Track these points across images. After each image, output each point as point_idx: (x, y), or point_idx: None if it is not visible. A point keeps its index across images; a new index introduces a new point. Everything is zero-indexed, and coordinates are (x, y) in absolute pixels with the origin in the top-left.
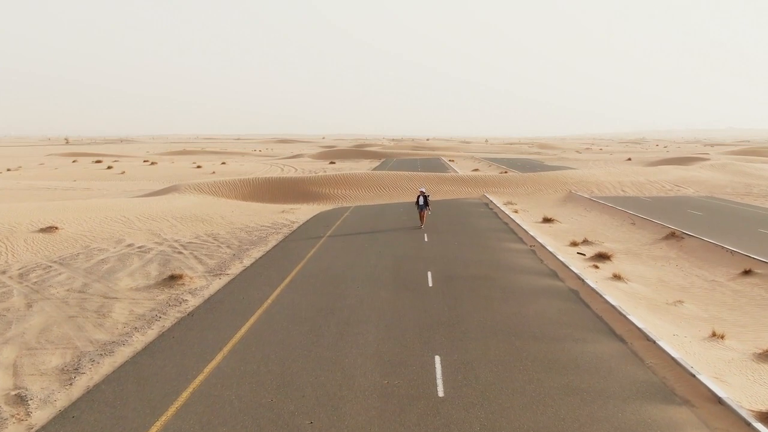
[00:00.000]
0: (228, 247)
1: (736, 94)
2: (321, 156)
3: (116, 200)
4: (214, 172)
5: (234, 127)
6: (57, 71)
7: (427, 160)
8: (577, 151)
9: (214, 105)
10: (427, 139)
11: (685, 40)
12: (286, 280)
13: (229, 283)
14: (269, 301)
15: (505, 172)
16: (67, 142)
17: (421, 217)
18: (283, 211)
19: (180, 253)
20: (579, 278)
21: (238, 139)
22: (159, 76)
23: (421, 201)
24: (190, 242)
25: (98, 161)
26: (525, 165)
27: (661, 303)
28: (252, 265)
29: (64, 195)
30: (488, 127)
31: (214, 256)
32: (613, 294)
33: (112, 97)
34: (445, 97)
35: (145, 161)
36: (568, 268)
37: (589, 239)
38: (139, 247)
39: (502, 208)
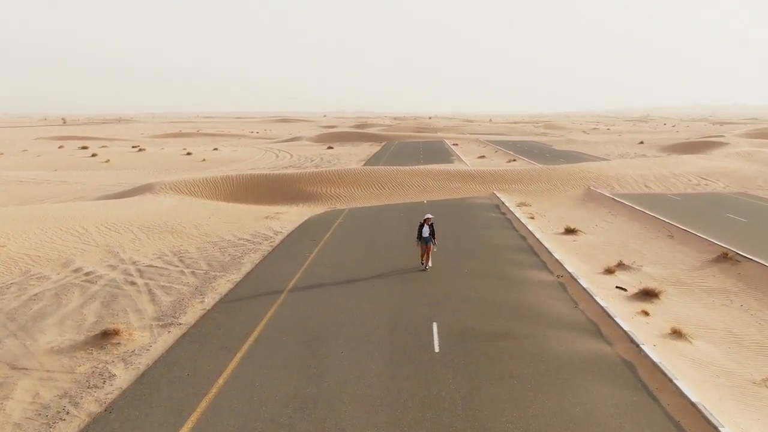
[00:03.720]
0: (192, 273)
1: (740, 69)
2: (319, 139)
3: (78, 205)
4: (204, 160)
5: (235, 105)
6: (59, 50)
7: (429, 144)
8: (585, 132)
9: (216, 83)
10: (430, 118)
11: (686, 15)
12: (252, 338)
13: (179, 340)
14: (221, 381)
15: (513, 161)
16: (64, 123)
17: (426, 254)
18: (266, 217)
19: (133, 283)
20: (630, 339)
21: (239, 118)
22: (161, 54)
23: (426, 232)
24: (149, 265)
25: (84, 147)
26: (533, 150)
27: (745, 381)
28: (214, 306)
29: (34, 191)
30: (491, 103)
31: (172, 289)
32: (682, 370)
33: (115, 76)
34: (447, 75)
35: (133, 147)
36: (611, 318)
37: (625, 261)
38: (86, 274)
39: (516, 213)
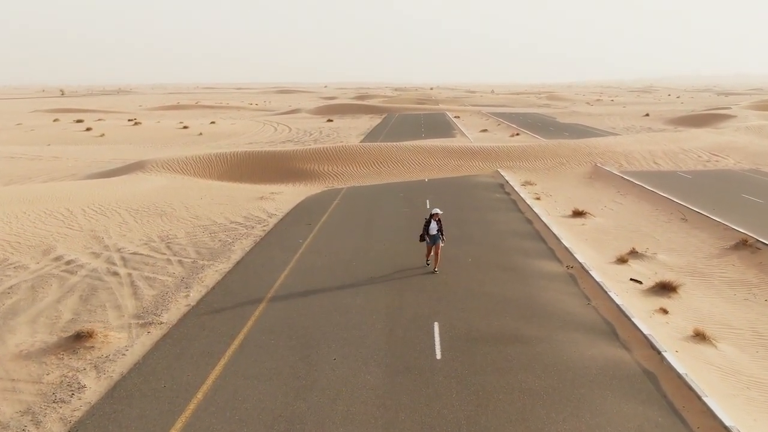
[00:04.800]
0: (180, 262)
1: (742, 39)
2: (319, 112)
3: (66, 185)
4: (201, 134)
5: (236, 75)
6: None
7: (431, 116)
8: (588, 103)
9: (217, 54)
10: (431, 89)
11: None
12: (237, 341)
13: (159, 343)
14: (200, 395)
15: (517, 135)
16: (62, 94)
17: (434, 254)
18: (261, 198)
19: (115, 274)
20: (650, 344)
21: (239, 89)
22: (161, 24)
23: (434, 228)
24: (135, 253)
25: (79, 120)
26: (536, 123)
27: None
28: (199, 302)
29: (24, 168)
30: (494, 73)
31: (156, 281)
32: (709, 381)
33: (115, 47)
34: (448, 46)
35: (129, 120)
36: (628, 318)
37: (637, 248)
38: (67, 263)
39: (521, 193)
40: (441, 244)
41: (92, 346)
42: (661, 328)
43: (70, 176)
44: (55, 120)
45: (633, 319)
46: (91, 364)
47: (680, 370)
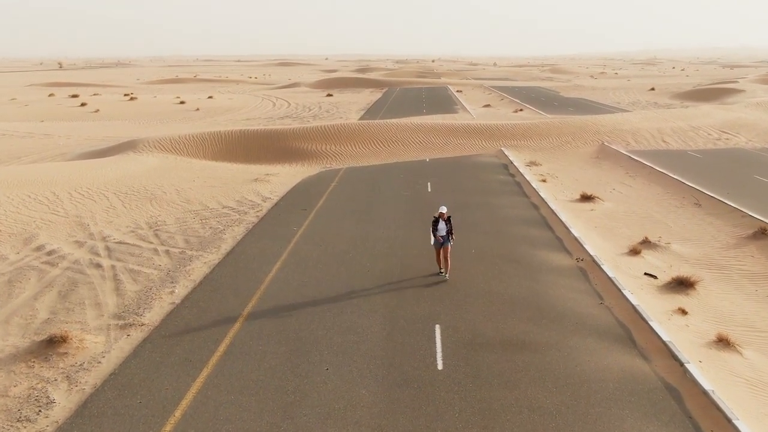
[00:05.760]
0: (167, 253)
1: (746, 10)
2: (319, 85)
3: (54, 166)
4: (197, 109)
5: (236, 48)
6: None
7: (432, 90)
8: (592, 77)
9: (217, 26)
10: (433, 61)
11: None
12: (223, 346)
13: (138, 349)
14: (178, 414)
15: (520, 110)
16: (60, 67)
17: (444, 258)
18: (255, 179)
19: (98, 266)
20: (670, 352)
21: (239, 61)
22: None
23: (443, 229)
24: (120, 242)
25: (74, 95)
26: (540, 97)
27: None
28: (185, 300)
29: (14, 147)
30: (495, 46)
31: (141, 274)
32: (738, 399)
33: (115, 19)
34: (450, 18)
35: (125, 95)
36: (645, 321)
37: (650, 237)
38: (48, 254)
39: (526, 174)
40: (450, 246)
41: (66, 353)
42: (681, 332)
43: (60, 155)
44: (50, 95)
45: (650, 323)
46: (63, 373)
47: (706, 386)
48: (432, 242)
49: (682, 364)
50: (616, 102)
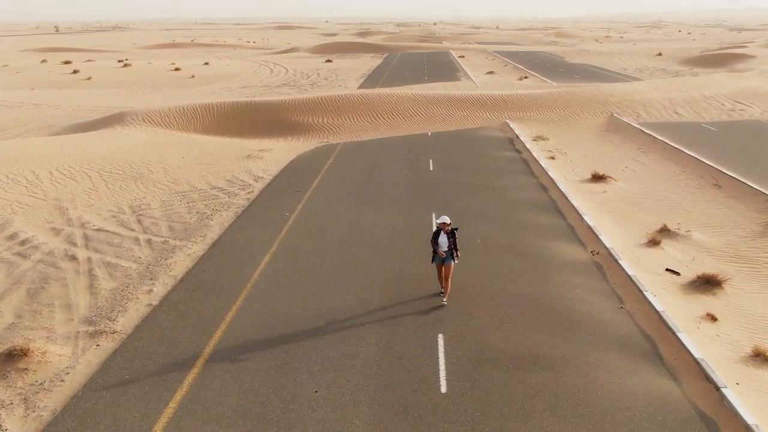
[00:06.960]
0: (148, 242)
1: None
2: (318, 50)
3: (36, 142)
4: (193, 76)
5: (236, 11)
6: None
7: (434, 56)
8: (597, 40)
9: None
10: (434, 24)
11: None
12: (201, 360)
13: (107, 363)
14: None
15: (525, 77)
16: (56, 31)
17: (445, 278)
18: (248, 156)
19: (74, 259)
20: (703, 372)
21: (238, 24)
22: None
23: (444, 244)
24: (100, 229)
25: (67, 62)
26: (545, 63)
27: None
28: (163, 300)
29: (2, 118)
30: (498, 8)
31: (118, 269)
32: None
33: None
34: None
35: (119, 61)
36: (672, 332)
37: (669, 224)
38: (21, 243)
39: (533, 151)
40: (453, 264)
41: (26, 368)
42: (713, 344)
43: (47, 128)
44: (42, 61)
45: (678, 334)
46: (21, 395)
47: (748, 419)
48: (431, 260)
49: (718, 389)
50: (623, 68)
